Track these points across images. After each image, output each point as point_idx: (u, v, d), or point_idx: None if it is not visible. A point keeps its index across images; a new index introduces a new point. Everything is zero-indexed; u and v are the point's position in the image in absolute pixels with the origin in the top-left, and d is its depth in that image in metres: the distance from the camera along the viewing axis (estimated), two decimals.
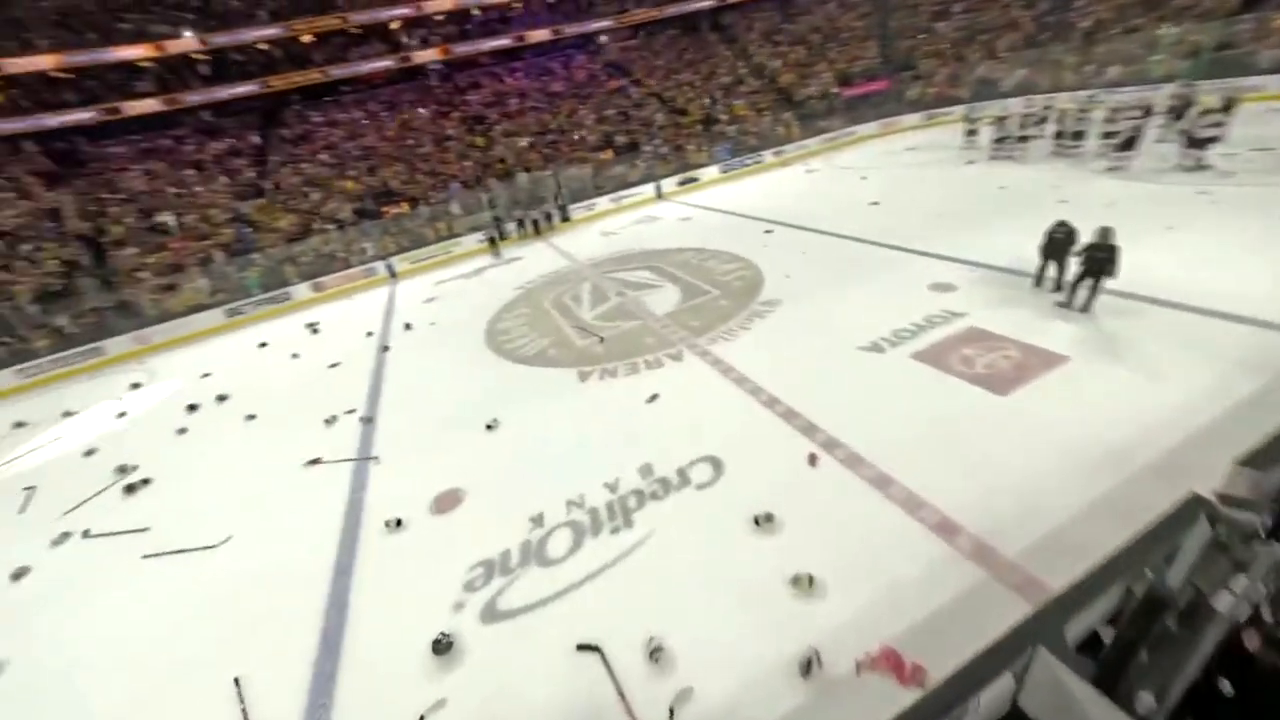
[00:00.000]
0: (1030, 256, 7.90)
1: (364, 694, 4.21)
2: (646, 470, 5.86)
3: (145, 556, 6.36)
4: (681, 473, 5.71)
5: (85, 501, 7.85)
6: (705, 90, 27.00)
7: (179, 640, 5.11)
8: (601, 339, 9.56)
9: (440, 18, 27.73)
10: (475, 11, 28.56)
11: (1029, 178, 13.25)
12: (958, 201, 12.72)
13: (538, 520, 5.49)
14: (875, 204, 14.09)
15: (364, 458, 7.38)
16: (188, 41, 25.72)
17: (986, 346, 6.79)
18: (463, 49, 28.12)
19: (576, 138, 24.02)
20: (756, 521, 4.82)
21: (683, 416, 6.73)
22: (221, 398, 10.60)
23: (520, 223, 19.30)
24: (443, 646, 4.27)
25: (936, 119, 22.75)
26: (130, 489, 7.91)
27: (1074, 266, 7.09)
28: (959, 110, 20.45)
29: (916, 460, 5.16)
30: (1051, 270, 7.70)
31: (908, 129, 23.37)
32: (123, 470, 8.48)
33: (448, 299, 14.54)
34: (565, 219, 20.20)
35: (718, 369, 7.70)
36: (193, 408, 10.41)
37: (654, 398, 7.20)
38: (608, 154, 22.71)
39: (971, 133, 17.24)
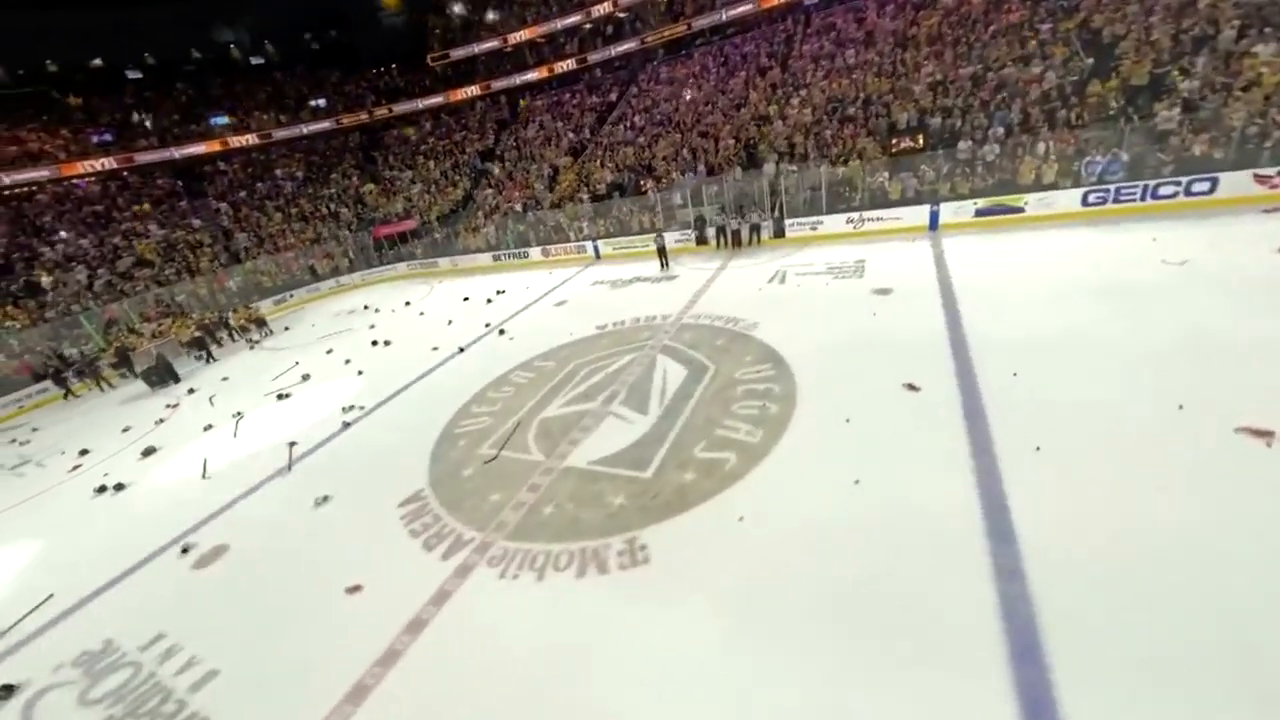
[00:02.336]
0: None
1: None
2: None
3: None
4: None
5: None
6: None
7: None
8: (490, 458, 8.07)
9: None
10: None
11: None
12: None
13: None
14: None
15: None
16: (606, 5, 30.69)
17: None
18: None
19: (876, 115, 17.49)
20: None
21: None
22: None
23: (720, 231, 16.46)
24: None
25: None
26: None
27: None
28: None
29: None
30: None
31: None
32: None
33: (554, 311, 14.65)
34: (779, 234, 15.97)
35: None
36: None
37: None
38: (909, 143, 15.65)
39: None
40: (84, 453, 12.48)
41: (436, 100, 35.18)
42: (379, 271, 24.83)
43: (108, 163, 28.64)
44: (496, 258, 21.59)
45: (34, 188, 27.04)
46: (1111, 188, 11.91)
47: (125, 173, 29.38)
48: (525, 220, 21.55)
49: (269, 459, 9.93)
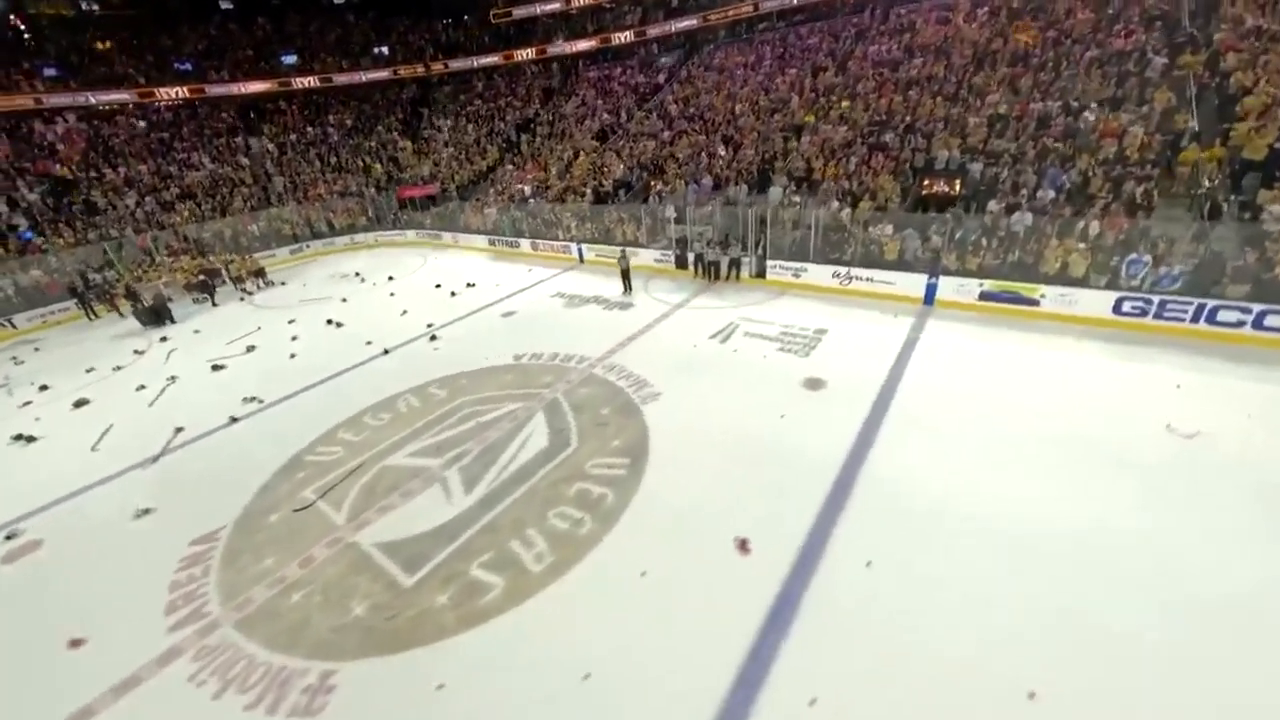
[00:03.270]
0: None
1: None
2: None
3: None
4: None
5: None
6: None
7: None
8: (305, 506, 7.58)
9: None
10: None
11: None
12: None
13: None
14: None
15: None
16: None
17: None
18: None
19: (914, 148, 14.86)
20: None
21: None
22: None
23: (699, 259, 14.82)
24: None
25: None
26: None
27: None
28: None
29: None
30: None
31: None
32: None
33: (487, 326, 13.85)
34: (759, 273, 14.15)
35: None
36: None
37: None
38: (941, 187, 13.17)
39: None
40: (44, 389, 13.40)
41: (492, 59, 34.44)
42: (390, 234, 25.02)
43: (181, 92, 30.44)
44: (492, 242, 20.99)
45: (114, 109, 29.24)
46: (1156, 299, 9.29)
47: (196, 103, 31.13)
48: (525, 209, 20.66)
49: (156, 439, 10.07)
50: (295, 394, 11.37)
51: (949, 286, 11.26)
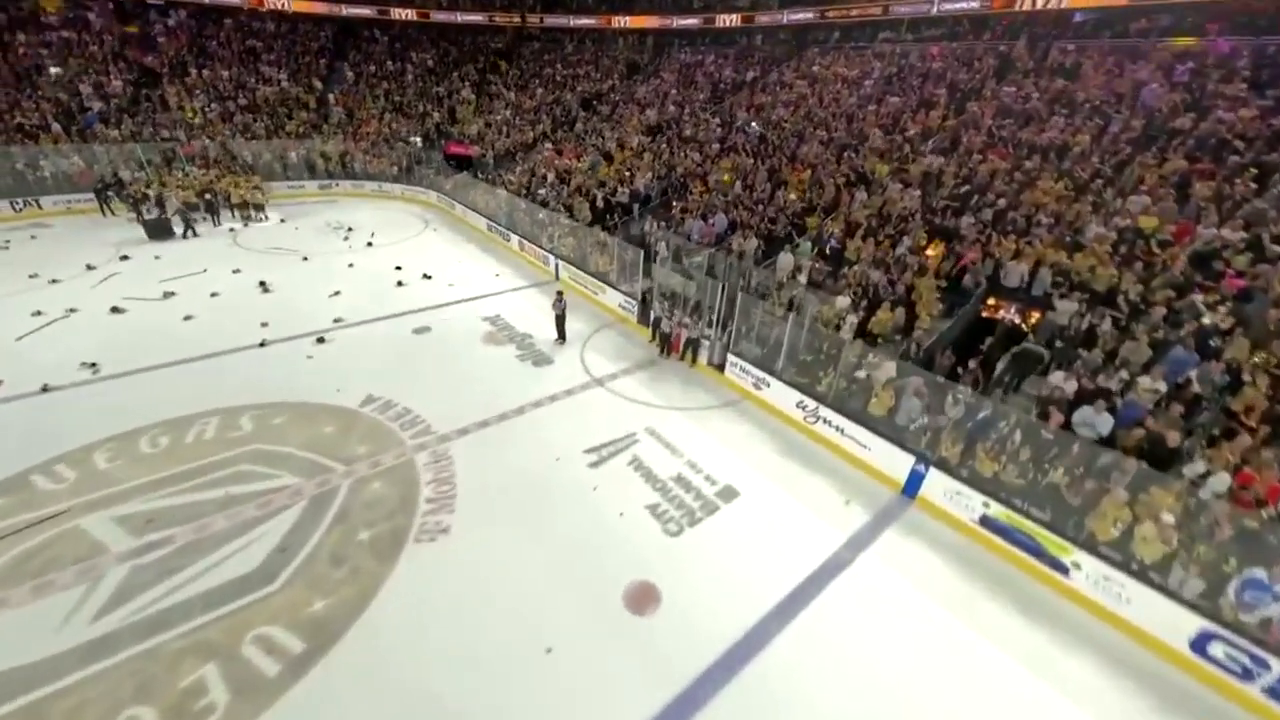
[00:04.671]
0: None
1: None
2: None
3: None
4: None
5: None
6: None
7: None
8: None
9: None
10: None
11: None
12: None
13: None
14: None
15: None
16: None
17: None
18: None
19: (989, 256, 10.48)
20: None
21: None
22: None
23: (657, 324, 11.66)
24: None
25: None
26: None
27: None
28: None
29: None
30: None
31: None
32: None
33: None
34: (718, 365, 10.76)
35: None
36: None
37: None
38: (1010, 316, 9.08)
39: None
40: (33, 276, 13.56)
41: (588, 22, 31.78)
42: (414, 190, 23.75)
43: (285, 4, 30.90)
44: (489, 228, 18.88)
45: (223, 10, 30.19)
46: (1277, 664, 5.10)
47: (296, 18, 31.52)
48: (533, 200, 18.23)
49: None
50: (134, 372, 10.06)
51: (940, 486, 7.42)
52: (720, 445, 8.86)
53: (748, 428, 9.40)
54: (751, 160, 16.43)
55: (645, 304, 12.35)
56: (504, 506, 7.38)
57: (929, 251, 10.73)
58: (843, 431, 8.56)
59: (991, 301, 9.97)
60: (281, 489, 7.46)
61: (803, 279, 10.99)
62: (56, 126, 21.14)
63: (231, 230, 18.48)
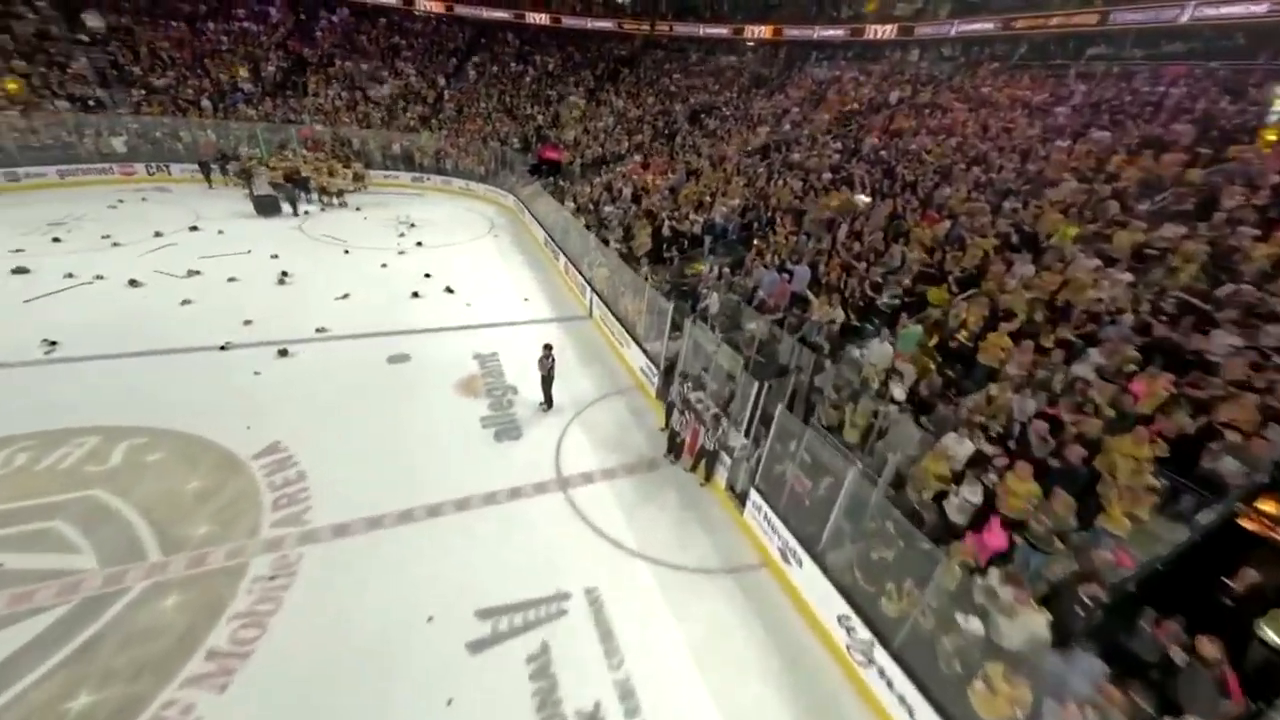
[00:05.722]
0: None
1: None
2: None
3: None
4: None
5: None
6: None
7: None
8: None
9: None
10: None
11: None
12: None
13: None
14: None
15: None
16: None
17: None
18: None
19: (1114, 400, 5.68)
20: None
21: None
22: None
23: (670, 410, 8.28)
24: None
25: None
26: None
27: None
28: None
29: None
30: None
31: None
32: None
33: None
34: (740, 494, 7.12)
35: None
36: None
37: None
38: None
39: None
40: (105, 237, 14.20)
41: (719, 31, 29.12)
42: (496, 193, 22.66)
43: (434, 7, 32.30)
44: (546, 242, 16.77)
45: (380, 8, 32.24)
46: None
47: (441, 18, 32.78)
48: (597, 216, 15.79)
49: None
50: (87, 359, 9.16)
51: None
52: (692, 660, 5.35)
53: (749, 632, 5.74)
54: (869, 198, 12.39)
55: (670, 375, 9.08)
56: (309, 697, 4.67)
57: (1141, 387, 6.17)
58: (913, 715, 4.62)
59: (1267, 505, 5.27)
60: (64, 575, 5.47)
61: (899, 392, 6.98)
62: (207, 104, 23.25)
63: (305, 213, 18.44)
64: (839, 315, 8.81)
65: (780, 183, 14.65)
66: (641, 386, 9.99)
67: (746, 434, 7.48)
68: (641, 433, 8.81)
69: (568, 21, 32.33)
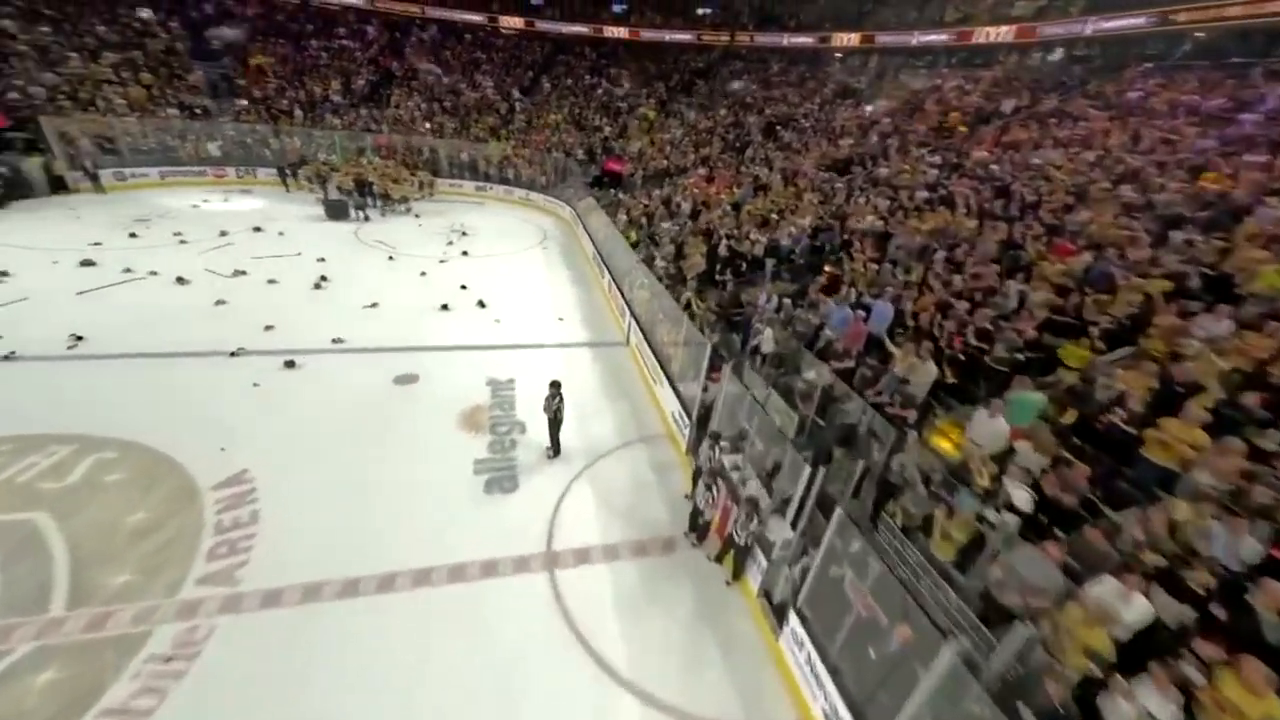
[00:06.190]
0: None
1: None
2: None
3: None
4: None
5: None
6: None
7: None
8: None
9: None
10: None
11: None
12: None
13: None
14: None
15: None
16: None
17: None
18: None
19: None
20: None
21: None
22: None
23: (698, 476, 6.55)
24: None
25: None
26: None
27: None
28: None
29: None
30: None
31: None
32: None
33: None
34: (774, 608, 5.25)
35: None
36: None
37: None
38: None
39: None
40: (177, 234, 14.75)
41: (804, 40, 27.19)
42: (555, 204, 21.98)
43: (514, 23, 32.89)
44: (594, 257, 15.59)
45: (465, 27, 33.23)
46: None
47: (523, 36, 33.28)
48: (645, 231, 14.40)
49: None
50: (105, 357, 8.93)
51: None
52: None
53: None
54: (975, 222, 10.06)
55: (703, 427, 7.37)
56: None
57: None
58: None
59: None
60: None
61: (1021, 497, 4.84)
62: (298, 113, 24.59)
63: (366, 219, 18.56)
64: (930, 371, 6.70)
65: (863, 201, 12.56)
66: (672, 436, 8.34)
67: (793, 524, 5.62)
68: (662, 498, 7.13)
69: (646, 34, 31.76)
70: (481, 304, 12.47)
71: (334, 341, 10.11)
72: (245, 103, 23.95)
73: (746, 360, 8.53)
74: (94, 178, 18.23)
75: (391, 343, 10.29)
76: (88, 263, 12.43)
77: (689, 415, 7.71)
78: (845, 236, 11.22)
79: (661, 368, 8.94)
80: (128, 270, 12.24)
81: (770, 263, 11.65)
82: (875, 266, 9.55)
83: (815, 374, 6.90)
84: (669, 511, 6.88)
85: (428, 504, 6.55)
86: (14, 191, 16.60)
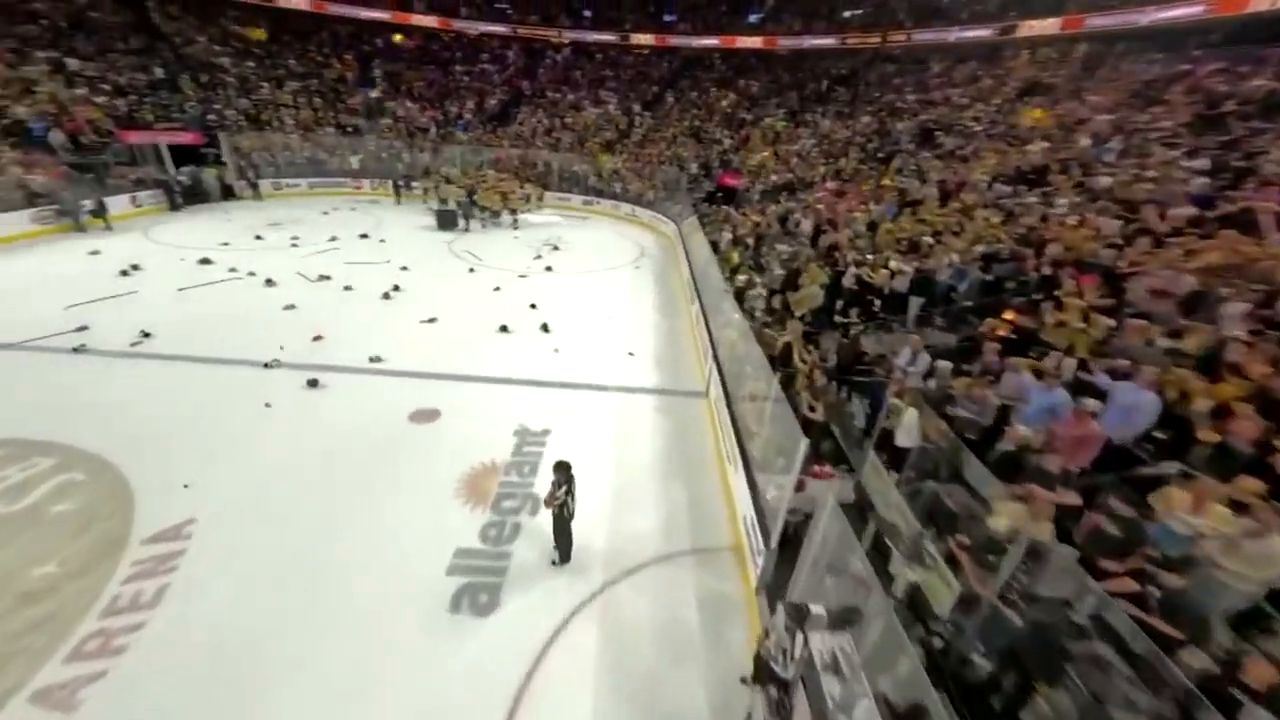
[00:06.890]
0: None
1: None
2: None
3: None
4: None
5: None
6: None
7: None
8: None
9: None
10: None
11: None
12: None
13: None
14: None
15: None
16: None
17: None
18: None
19: None
20: None
21: None
22: None
23: (772, 603, 3.76)
24: None
25: None
26: None
27: None
28: None
29: None
30: None
31: None
32: None
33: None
34: None
35: None
36: None
37: None
38: None
39: None
40: (294, 238, 15.52)
41: (979, 33, 22.55)
42: (660, 219, 20.10)
43: (646, 39, 32.27)
44: (689, 282, 13.21)
45: (597, 47, 33.32)
46: None
47: (652, 52, 32.50)
48: (758, 255, 11.72)
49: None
50: (161, 357, 8.75)
51: None
52: None
53: None
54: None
55: (787, 564, 4.55)
56: None
57: None
58: None
59: None
60: None
61: None
62: (433, 131, 26.01)
63: (466, 229, 18.31)
64: (1260, 534, 3.23)
65: (1073, 220, 8.66)
66: (740, 549, 5.59)
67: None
68: (703, 669, 4.43)
69: (783, 43, 29.11)
70: (545, 328, 10.78)
71: (371, 360, 8.99)
72: (389, 121, 25.90)
73: (871, 452, 5.53)
74: (254, 186, 20.40)
75: (430, 367, 8.91)
76: (205, 261, 13.13)
77: (766, 531, 4.95)
78: (1044, 271, 7.55)
79: (739, 443, 6.24)
80: (232, 270, 12.65)
81: (918, 302, 8.36)
82: (1109, 320, 5.92)
83: (1010, 515, 3.77)
84: (709, 700, 4.19)
85: (361, 617, 4.63)
86: (193, 198, 18.97)
